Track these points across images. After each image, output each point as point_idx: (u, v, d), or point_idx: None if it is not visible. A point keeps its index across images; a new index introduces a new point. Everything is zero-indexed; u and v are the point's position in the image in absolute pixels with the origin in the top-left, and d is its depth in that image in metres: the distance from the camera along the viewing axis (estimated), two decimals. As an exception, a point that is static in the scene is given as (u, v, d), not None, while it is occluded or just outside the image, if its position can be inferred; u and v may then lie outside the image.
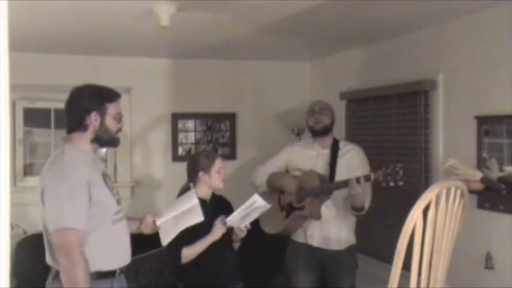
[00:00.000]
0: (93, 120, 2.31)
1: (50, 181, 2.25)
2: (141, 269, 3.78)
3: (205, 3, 3.00)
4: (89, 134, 2.33)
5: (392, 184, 2.97)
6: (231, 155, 5.21)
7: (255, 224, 3.03)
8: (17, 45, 4.00)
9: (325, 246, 3.36)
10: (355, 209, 3.22)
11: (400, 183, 2.96)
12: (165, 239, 2.69)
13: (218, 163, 2.98)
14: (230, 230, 2.94)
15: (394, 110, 4.05)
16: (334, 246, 3.36)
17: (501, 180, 2.91)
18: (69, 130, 2.37)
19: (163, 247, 2.78)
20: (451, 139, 3.52)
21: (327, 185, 3.26)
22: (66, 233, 2.16)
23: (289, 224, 3.37)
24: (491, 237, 3.17)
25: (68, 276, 2.16)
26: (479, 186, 2.54)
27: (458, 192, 1.81)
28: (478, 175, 2.54)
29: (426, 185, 3.53)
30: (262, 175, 3.55)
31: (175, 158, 5.04)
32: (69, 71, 4.48)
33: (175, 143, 5.07)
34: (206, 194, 2.98)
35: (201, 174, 2.95)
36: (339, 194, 3.31)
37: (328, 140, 3.45)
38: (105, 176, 2.37)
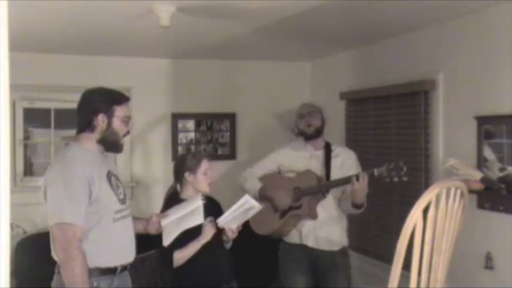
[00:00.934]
0: (101, 121, 2.38)
1: (51, 179, 2.31)
2: (141, 269, 3.78)
3: (205, 3, 3.00)
4: (95, 135, 2.40)
5: (396, 179, 2.98)
6: (231, 155, 5.21)
7: (247, 224, 3.00)
8: (17, 45, 4.00)
9: (319, 247, 3.36)
10: (356, 205, 3.22)
11: (405, 178, 2.97)
12: (167, 240, 2.70)
13: (205, 164, 2.92)
14: (221, 231, 2.90)
15: (394, 110, 4.06)
16: (329, 247, 3.37)
17: (501, 180, 2.91)
18: (79, 130, 2.45)
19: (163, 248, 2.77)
20: (451, 139, 3.52)
21: (326, 182, 3.27)
22: (64, 228, 2.23)
23: (284, 224, 3.36)
24: (491, 237, 3.17)
25: (65, 270, 2.22)
26: (479, 186, 2.54)
27: (458, 192, 1.81)
28: (478, 175, 2.54)
29: (426, 185, 3.53)
30: (252, 179, 3.50)
31: (175, 158, 5.03)
32: (69, 71, 4.48)
33: (175, 143, 5.07)
34: (193, 195, 2.91)
35: (187, 174, 2.90)
36: (332, 195, 3.33)
37: (320, 142, 3.46)
38: (110, 176, 2.42)
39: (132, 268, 2.55)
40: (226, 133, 5.25)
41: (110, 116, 2.40)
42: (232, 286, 3.01)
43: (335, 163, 3.39)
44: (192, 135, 5.15)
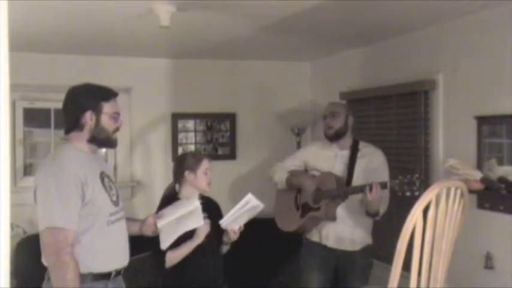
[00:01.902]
0: (89, 119, 2.27)
1: (41, 179, 2.22)
2: (141, 269, 3.77)
3: (205, 3, 3.00)
4: (85, 134, 2.29)
5: (408, 194, 2.90)
6: (231, 155, 5.21)
7: (248, 225, 2.97)
8: (17, 45, 4.00)
9: (339, 247, 3.33)
10: (369, 214, 3.19)
11: (416, 193, 2.86)
12: (165, 243, 2.61)
13: (205, 164, 2.90)
14: (218, 233, 2.88)
15: (394, 110, 4.05)
16: (348, 246, 3.33)
17: (501, 180, 2.91)
18: (67, 130, 2.33)
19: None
20: (451, 139, 3.52)
21: (343, 188, 3.20)
22: (55, 232, 2.12)
23: (304, 223, 3.35)
24: (491, 237, 3.17)
25: (56, 276, 2.13)
26: (479, 186, 2.54)
27: (458, 192, 1.81)
28: (478, 175, 2.54)
29: (426, 185, 3.53)
30: (281, 171, 3.49)
31: (175, 158, 5.03)
32: (69, 71, 4.48)
33: (175, 143, 5.07)
34: (192, 195, 2.88)
35: (186, 173, 2.87)
36: (355, 195, 3.23)
37: (347, 141, 3.37)
38: (103, 176, 2.32)
39: (132, 268, 2.52)
40: (226, 133, 5.24)
41: (98, 113, 2.28)
42: None
43: (359, 164, 3.30)
44: (192, 135, 5.15)
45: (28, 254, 3.92)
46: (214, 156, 4.73)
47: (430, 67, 3.66)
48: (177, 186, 2.95)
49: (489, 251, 3.15)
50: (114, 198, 2.34)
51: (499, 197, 2.97)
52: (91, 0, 2.91)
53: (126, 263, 2.40)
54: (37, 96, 4.61)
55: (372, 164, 3.30)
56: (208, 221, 2.79)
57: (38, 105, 4.64)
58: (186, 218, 2.65)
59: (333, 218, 3.25)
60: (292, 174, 3.45)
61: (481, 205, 3.18)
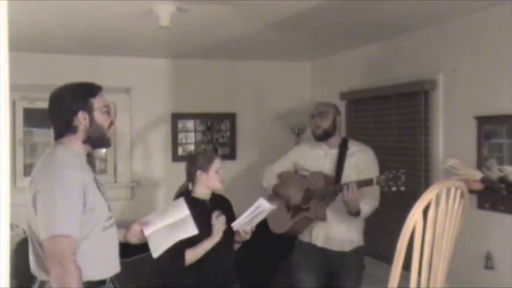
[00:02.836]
0: (82, 119, 2.17)
1: (42, 185, 2.10)
2: (141, 269, 3.77)
3: (205, 3, 3.00)
4: (80, 135, 2.19)
5: (394, 189, 2.92)
6: (231, 155, 5.21)
7: (259, 226, 2.99)
8: (17, 45, 4.00)
9: (329, 247, 3.35)
10: (351, 214, 3.17)
11: (402, 188, 2.91)
12: (156, 251, 2.50)
13: (217, 163, 2.93)
14: (232, 232, 2.91)
15: (394, 110, 4.05)
16: (339, 247, 3.34)
17: (501, 180, 2.91)
18: (58, 135, 2.22)
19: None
20: (451, 139, 3.52)
21: (332, 187, 3.22)
22: (59, 240, 2.03)
23: (295, 224, 3.37)
24: (491, 237, 3.17)
25: (60, 285, 2.03)
26: (479, 186, 2.53)
27: (458, 192, 1.81)
28: (478, 175, 2.53)
29: (426, 185, 3.53)
30: (270, 176, 3.53)
31: (175, 158, 5.04)
32: (69, 71, 4.47)
33: (175, 143, 5.07)
34: (205, 193, 2.94)
35: (199, 173, 2.90)
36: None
37: (335, 140, 3.39)
38: (96, 180, 2.25)
39: (132, 268, 2.51)
40: (226, 133, 5.25)
41: (90, 111, 2.18)
42: (235, 287, 3.01)
43: (349, 162, 3.31)
44: (192, 135, 5.15)
45: (28, 254, 3.91)
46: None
47: (430, 67, 3.66)
48: (190, 185, 2.97)
49: (489, 251, 3.15)
50: (108, 203, 2.27)
51: (499, 197, 2.97)
52: (91, 0, 2.91)
53: (119, 269, 2.33)
54: (37, 96, 4.61)
55: (362, 162, 3.32)
56: (223, 218, 2.84)
57: (38, 105, 4.64)
58: (178, 226, 2.57)
59: (323, 218, 3.27)
60: (279, 183, 3.47)
61: (481, 205, 3.18)
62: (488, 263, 3.14)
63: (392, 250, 1.66)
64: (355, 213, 3.18)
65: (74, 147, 2.20)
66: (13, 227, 4.06)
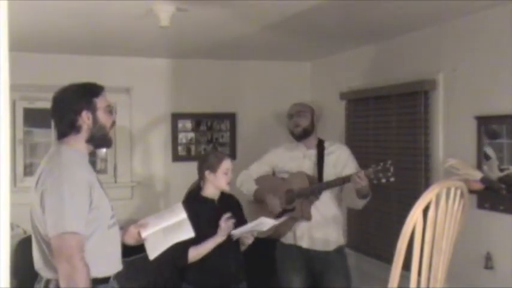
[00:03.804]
0: (86, 119, 2.22)
1: (50, 184, 2.12)
2: (141, 269, 3.77)
3: (205, 3, 3.00)
4: (83, 135, 2.24)
5: (384, 181, 2.98)
6: (231, 155, 5.20)
7: None
8: (17, 45, 4.00)
9: (313, 247, 3.37)
10: (364, 196, 3.20)
11: (392, 179, 2.97)
12: (152, 253, 2.51)
13: (226, 164, 2.96)
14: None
15: (394, 110, 4.05)
16: (323, 247, 3.37)
17: (501, 180, 2.91)
18: (62, 135, 2.26)
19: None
20: (451, 139, 3.52)
21: (316, 185, 3.27)
22: (67, 238, 2.06)
23: (280, 226, 3.36)
24: (491, 237, 3.17)
25: (68, 283, 2.06)
26: (479, 186, 2.54)
27: (458, 192, 1.81)
28: (478, 175, 2.54)
29: (426, 185, 3.53)
30: (248, 182, 3.53)
31: (175, 158, 5.04)
32: (69, 71, 4.48)
33: (175, 143, 5.07)
34: (214, 193, 2.99)
35: (207, 173, 2.95)
36: (327, 195, 3.33)
37: (312, 140, 3.44)
38: (98, 178, 2.29)
39: (132, 268, 2.52)
40: (226, 133, 5.25)
41: (93, 110, 2.23)
42: (241, 287, 3.02)
43: (328, 161, 3.37)
44: (192, 135, 5.15)
45: (28, 254, 3.90)
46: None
47: (430, 67, 3.66)
48: (201, 182, 3.02)
49: (489, 251, 3.15)
50: (110, 201, 2.31)
51: (499, 197, 2.97)
52: (91, 0, 2.91)
53: (121, 267, 2.37)
54: (37, 96, 4.61)
55: (341, 159, 3.38)
56: (232, 221, 2.87)
57: (38, 105, 4.64)
58: (175, 229, 2.58)
59: (309, 217, 3.31)
60: (259, 188, 3.47)
61: (481, 205, 3.18)
62: (488, 263, 3.14)
63: (392, 250, 1.67)
64: (367, 195, 3.21)
65: (78, 146, 2.24)
66: (13, 226, 4.06)
